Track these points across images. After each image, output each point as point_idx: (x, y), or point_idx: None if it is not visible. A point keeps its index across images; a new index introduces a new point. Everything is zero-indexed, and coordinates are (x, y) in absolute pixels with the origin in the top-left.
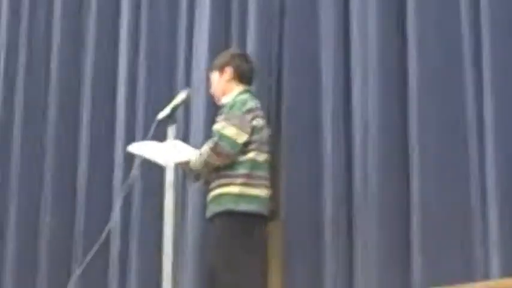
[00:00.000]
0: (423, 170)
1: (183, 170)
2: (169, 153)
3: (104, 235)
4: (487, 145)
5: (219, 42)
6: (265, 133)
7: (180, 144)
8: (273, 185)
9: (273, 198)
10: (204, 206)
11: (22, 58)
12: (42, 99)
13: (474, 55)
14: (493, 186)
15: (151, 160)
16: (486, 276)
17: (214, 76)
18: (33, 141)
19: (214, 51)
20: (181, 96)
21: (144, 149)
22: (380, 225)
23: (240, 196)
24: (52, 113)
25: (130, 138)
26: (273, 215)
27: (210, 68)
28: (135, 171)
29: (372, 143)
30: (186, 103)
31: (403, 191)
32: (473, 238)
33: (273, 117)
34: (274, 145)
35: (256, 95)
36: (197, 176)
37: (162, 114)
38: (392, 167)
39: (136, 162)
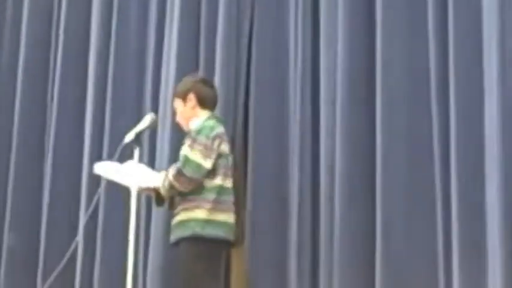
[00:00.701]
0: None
1: (147, 194)
2: (134, 176)
3: (67, 255)
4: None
5: (187, 65)
6: (231, 159)
7: (143, 168)
8: (238, 209)
9: (238, 223)
10: (168, 230)
11: None
12: (8, 120)
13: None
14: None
15: (117, 182)
16: None
17: (178, 104)
18: None
19: (183, 74)
20: (146, 120)
21: (109, 170)
22: (344, 255)
23: (207, 221)
24: (15, 134)
25: (97, 157)
26: (237, 240)
27: (173, 96)
28: (101, 191)
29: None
30: (152, 128)
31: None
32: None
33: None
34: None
35: (221, 120)
36: (162, 201)
37: (127, 138)
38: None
39: (103, 182)
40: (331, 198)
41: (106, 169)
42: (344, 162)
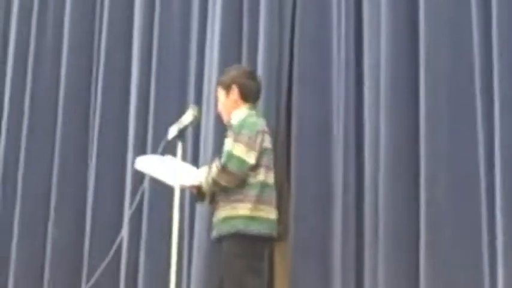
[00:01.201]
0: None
1: (193, 191)
2: (177, 173)
3: (113, 250)
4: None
5: (230, 57)
6: (272, 154)
7: (185, 165)
8: (280, 205)
9: (280, 219)
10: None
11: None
12: (52, 112)
13: None
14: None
15: (159, 180)
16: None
17: (221, 94)
18: (40, 154)
19: (225, 64)
20: (189, 116)
21: (152, 166)
22: (389, 247)
23: (250, 218)
24: (61, 125)
25: (141, 152)
26: (280, 236)
27: (216, 84)
28: (145, 186)
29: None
30: (195, 123)
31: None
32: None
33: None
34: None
35: (263, 114)
36: (203, 197)
37: (170, 135)
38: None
39: (147, 177)
40: (375, 187)
41: (147, 165)
42: (388, 150)
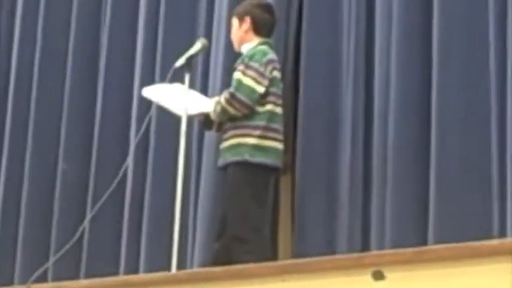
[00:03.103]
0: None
1: (200, 119)
2: (184, 101)
3: (119, 176)
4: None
5: None
6: (281, 86)
7: (193, 93)
8: (287, 137)
9: (287, 150)
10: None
11: None
12: (63, 36)
13: None
14: None
15: (167, 108)
16: (503, 233)
17: (234, 23)
18: (50, 87)
19: None
20: (198, 45)
21: (159, 94)
22: (397, 181)
23: (256, 147)
24: (70, 58)
25: (149, 81)
26: (285, 168)
27: (231, 14)
28: (151, 114)
29: (392, 105)
30: (203, 52)
31: (423, 148)
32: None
33: (289, 71)
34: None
35: (273, 47)
36: (210, 125)
37: (178, 63)
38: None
39: (153, 105)
40: (385, 117)
41: (155, 93)
42: (399, 80)
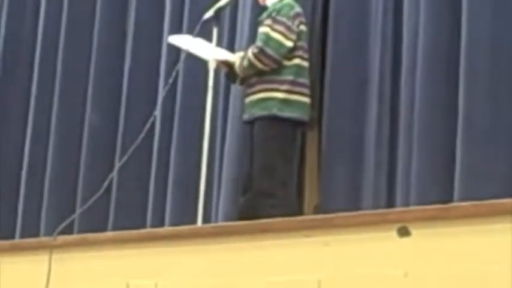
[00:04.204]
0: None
1: (224, 71)
2: (212, 50)
3: (146, 128)
4: None
5: None
6: (308, 40)
7: (218, 48)
8: (314, 93)
9: (314, 105)
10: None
11: None
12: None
13: None
14: None
15: (194, 54)
16: None
17: None
18: (78, 39)
19: None
20: None
21: (187, 42)
22: (424, 136)
23: (284, 102)
24: (98, 12)
25: (177, 34)
26: (312, 124)
27: None
28: (179, 67)
29: (420, 62)
30: (231, 5)
31: (450, 105)
32: None
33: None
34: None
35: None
36: (235, 78)
37: (207, 15)
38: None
39: (182, 56)
40: (412, 75)
41: (182, 40)
42: (427, 37)
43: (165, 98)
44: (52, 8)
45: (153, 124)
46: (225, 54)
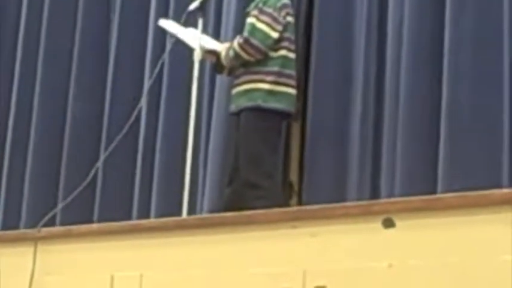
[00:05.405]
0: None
1: (210, 60)
2: (198, 37)
3: (131, 119)
4: None
5: None
6: (294, 31)
7: (207, 38)
8: (299, 84)
9: (299, 96)
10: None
11: None
12: None
13: None
14: None
15: (182, 40)
16: None
17: None
18: (61, 24)
19: None
20: None
21: (176, 28)
22: (408, 127)
23: (270, 93)
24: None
25: None
26: (297, 115)
27: None
28: (165, 56)
29: (404, 53)
30: None
31: (434, 97)
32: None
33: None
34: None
35: None
36: (221, 69)
37: (192, 6)
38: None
39: (168, 45)
40: (397, 66)
41: (171, 25)
42: (412, 27)
43: (150, 89)
44: None
45: (138, 115)
46: (212, 44)
